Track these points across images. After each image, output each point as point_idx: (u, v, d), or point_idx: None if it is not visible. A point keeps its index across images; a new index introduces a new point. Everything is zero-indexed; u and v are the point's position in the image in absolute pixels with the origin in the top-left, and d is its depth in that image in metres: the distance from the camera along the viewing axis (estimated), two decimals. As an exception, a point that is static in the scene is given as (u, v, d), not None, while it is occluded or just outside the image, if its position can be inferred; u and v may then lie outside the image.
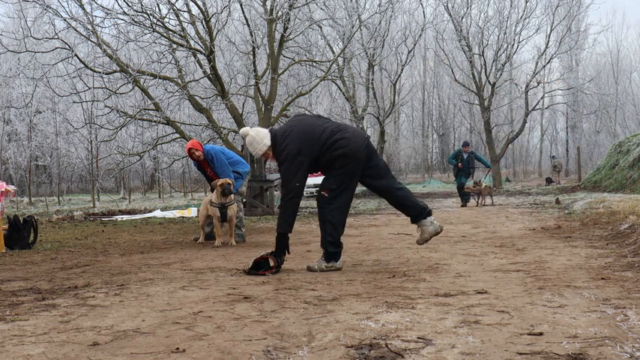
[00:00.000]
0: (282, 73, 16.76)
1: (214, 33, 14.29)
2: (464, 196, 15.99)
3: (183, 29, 14.30)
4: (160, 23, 13.77)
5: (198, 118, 18.56)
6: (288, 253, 5.35)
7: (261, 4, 15.61)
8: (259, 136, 5.40)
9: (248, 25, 15.54)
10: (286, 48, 16.64)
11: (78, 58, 14.27)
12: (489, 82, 29.06)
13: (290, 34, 15.98)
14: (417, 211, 5.43)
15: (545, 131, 54.19)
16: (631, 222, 7.16)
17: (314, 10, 19.07)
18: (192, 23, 14.22)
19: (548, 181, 30.56)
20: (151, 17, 13.57)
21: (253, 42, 15.56)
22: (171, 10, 13.90)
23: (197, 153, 8.12)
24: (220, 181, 7.63)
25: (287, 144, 5.22)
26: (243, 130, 5.55)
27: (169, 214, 14.59)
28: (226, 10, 14.83)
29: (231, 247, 7.53)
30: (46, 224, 12.01)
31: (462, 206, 15.48)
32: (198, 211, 15.37)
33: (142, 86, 14.64)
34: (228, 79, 16.58)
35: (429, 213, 5.42)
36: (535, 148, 57.24)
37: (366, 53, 23.77)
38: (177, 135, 15.58)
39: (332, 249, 5.25)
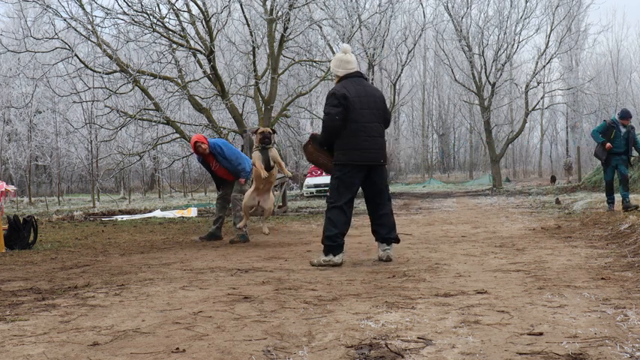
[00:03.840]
0: (282, 73, 16.75)
1: (214, 33, 14.28)
2: (612, 195, 10.83)
3: (183, 29, 14.29)
4: (160, 23, 13.77)
5: (198, 118, 18.55)
6: None
7: (261, 4, 15.59)
8: (352, 62, 5.73)
9: (248, 25, 15.53)
10: (286, 48, 16.63)
11: (78, 58, 14.26)
12: (489, 82, 29.05)
13: (290, 34, 15.96)
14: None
15: (545, 131, 54.20)
16: (631, 222, 7.16)
17: (314, 10, 19.05)
18: (192, 23, 14.21)
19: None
20: (151, 17, 13.57)
21: (253, 42, 15.55)
22: (171, 10, 13.89)
23: (203, 146, 8.08)
24: (260, 129, 7.41)
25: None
26: (348, 46, 5.87)
27: (169, 214, 14.60)
28: (226, 10, 14.83)
29: (266, 236, 7.59)
30: (46, 224, 12.00)
31: (608, 210, 10.54)
32: (198, 210, 15.43)
33: (142, 86, 14.64)
34: (228, 79, 16.56)
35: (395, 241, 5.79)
36: (535, 148, 57.26)
37: (366, 53, 23.78)
38: (178, 135, 15.58)
39: (327, 242, 5.50)
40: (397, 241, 5.80)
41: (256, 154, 7.36)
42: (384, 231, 5.69)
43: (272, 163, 7.38)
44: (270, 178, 7.36)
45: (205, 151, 8.10)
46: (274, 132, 7.73)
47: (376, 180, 5.68)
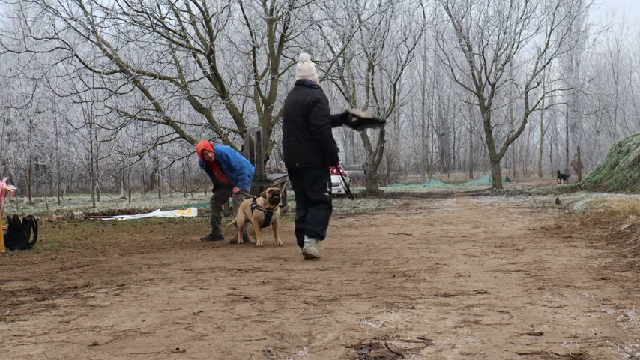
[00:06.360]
0: (282, 73, 16.74)
1: (214, 33, 14.28)
2: None
3: (183, 29, 14.29)
4: (160, 23, 13.76)
5: (198, 118, 18.54)
6: None
7: (261, 4, 15.59)
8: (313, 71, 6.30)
9: (248, 25, 15.52)
10: (286, 48, 16.62)
11: (78, 58, 14.25)
12: (489, 82, 29.03)
13: (290, 34, 15.95)
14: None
15: (545, 131, 54.23)
16: (631, 222, 7.16)
17: (314, 10, 19.05)
18: (192, 23, 14.21)
19: (563, 177, 31.74)
20: (151, 17, 13.56)
21: (253, 42, 15.55)
22: (171, 10, 13.89)
23: (209, 154, 8.08)
24: (270, 189, 7.45)
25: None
26: (306, 55, 6.36)
27: (169, 214, 14.59)
28: (226, 10, 14.82)
29: (278, 247, 7.28)
30: (46, 224, 12.00)
31: None
32: (198, 210, 15.43)
33: (142, 86, 14.63)
34: (228, 79, 16.56)
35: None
36: (535, 148, 57.30)
37: (366, 53, 23.77)
38: (177, 135, 15.57)
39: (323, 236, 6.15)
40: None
41: (259, 214, 7.41)
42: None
43: (272, 220, 7.49)
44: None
45: (211, 159, 8.10)
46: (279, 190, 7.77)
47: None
